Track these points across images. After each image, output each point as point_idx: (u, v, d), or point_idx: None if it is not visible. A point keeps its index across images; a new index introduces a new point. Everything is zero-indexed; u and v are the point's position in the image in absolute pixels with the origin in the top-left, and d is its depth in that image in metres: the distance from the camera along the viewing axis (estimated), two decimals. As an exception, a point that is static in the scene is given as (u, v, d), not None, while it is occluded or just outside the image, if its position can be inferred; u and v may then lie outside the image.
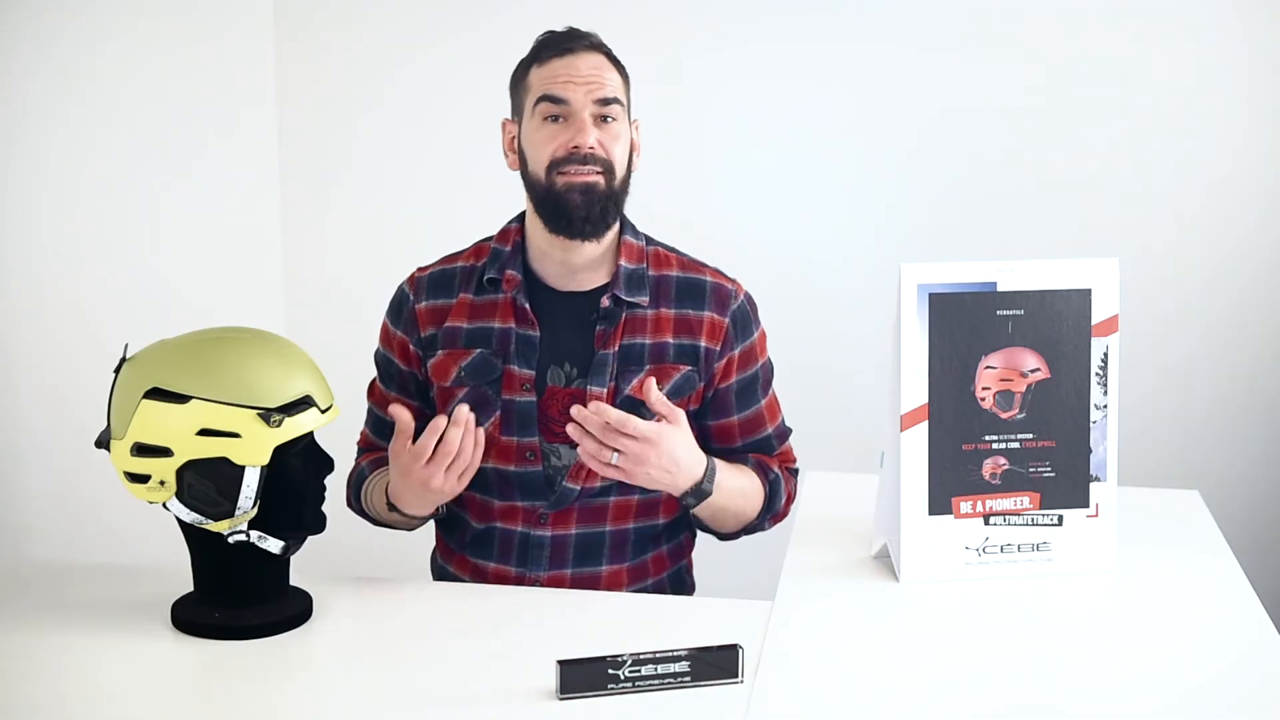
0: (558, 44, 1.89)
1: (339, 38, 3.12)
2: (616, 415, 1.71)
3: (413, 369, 1.97)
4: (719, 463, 1.88)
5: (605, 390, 1.89)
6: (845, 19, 2.92)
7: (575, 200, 1.85)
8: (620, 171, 1.88)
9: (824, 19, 2.92)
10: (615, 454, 1.73)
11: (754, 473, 1.96)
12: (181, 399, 1.63)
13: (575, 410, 1.73)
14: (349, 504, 2.03)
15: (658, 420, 1.76)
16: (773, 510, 1.98)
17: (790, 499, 2.02)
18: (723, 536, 2.01)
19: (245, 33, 3.06)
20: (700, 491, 1.84)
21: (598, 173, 1.85)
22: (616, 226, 1.94)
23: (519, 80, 1.92)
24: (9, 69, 2.47)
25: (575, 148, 1.84)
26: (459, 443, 1.74)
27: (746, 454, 1.99)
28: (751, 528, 1.99)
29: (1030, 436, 1.77)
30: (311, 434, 1.71)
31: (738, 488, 1.91)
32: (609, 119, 1.87)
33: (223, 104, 2.98)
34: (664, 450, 1.75)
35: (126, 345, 1.73)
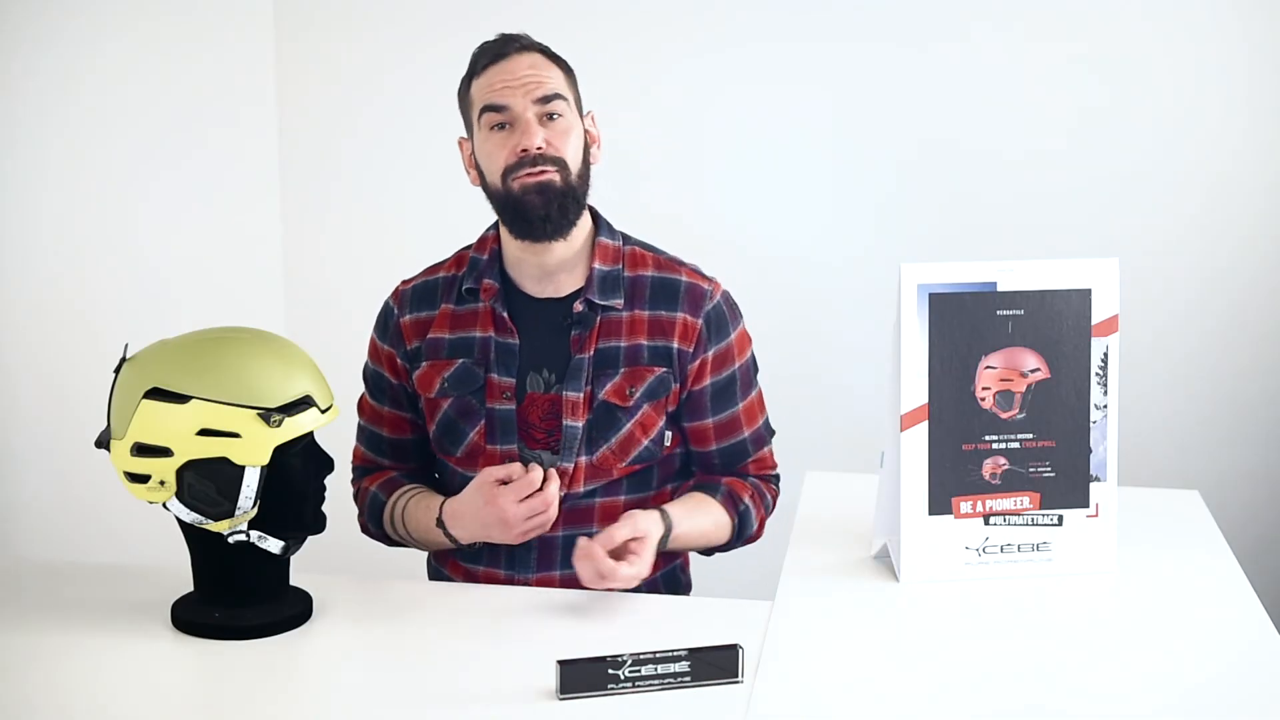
0: (491, 52, 1.89)
1: (339, 38, 3.12)
2: (606, 568, 1.72)
3: (402, 382, 1.97)
4: (675, 514, 1.87)
5: (581, 395, 1.88)
6: (845, 19, 2.92)
7: (533, 201, 1.84)
8: (576, 166, 1.87)
9: (823, 19, 2.92)
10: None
11: (721, 506, 1.94)
12: (181, 399, 1.63)
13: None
14: (364, 530, 2.04)
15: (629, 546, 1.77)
16: (743, 538, 1.98)
17: (765, 509, 2.00)
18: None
19: (245, 33, 3.06)
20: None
21: (552, 171, 1.84)
22: (590, 228, 1.93)
23: (464, 97, 1.92)
24: (9, 69, 2.47)
25: (523, 151, 1.83)
26: (542, 487, 1.81)
27: (719, 479, 1.97)
28: (722, 549, 2.00)
29: (1030, 436, 1.77)
30: (311, 434, 1.71)
31: (698, 532, 1.91)
32: (554, 116, 1.86)
33: (223, 104, 2.98)
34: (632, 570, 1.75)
35: (126, 345, 1.73)
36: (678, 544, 1.88)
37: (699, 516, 1.92)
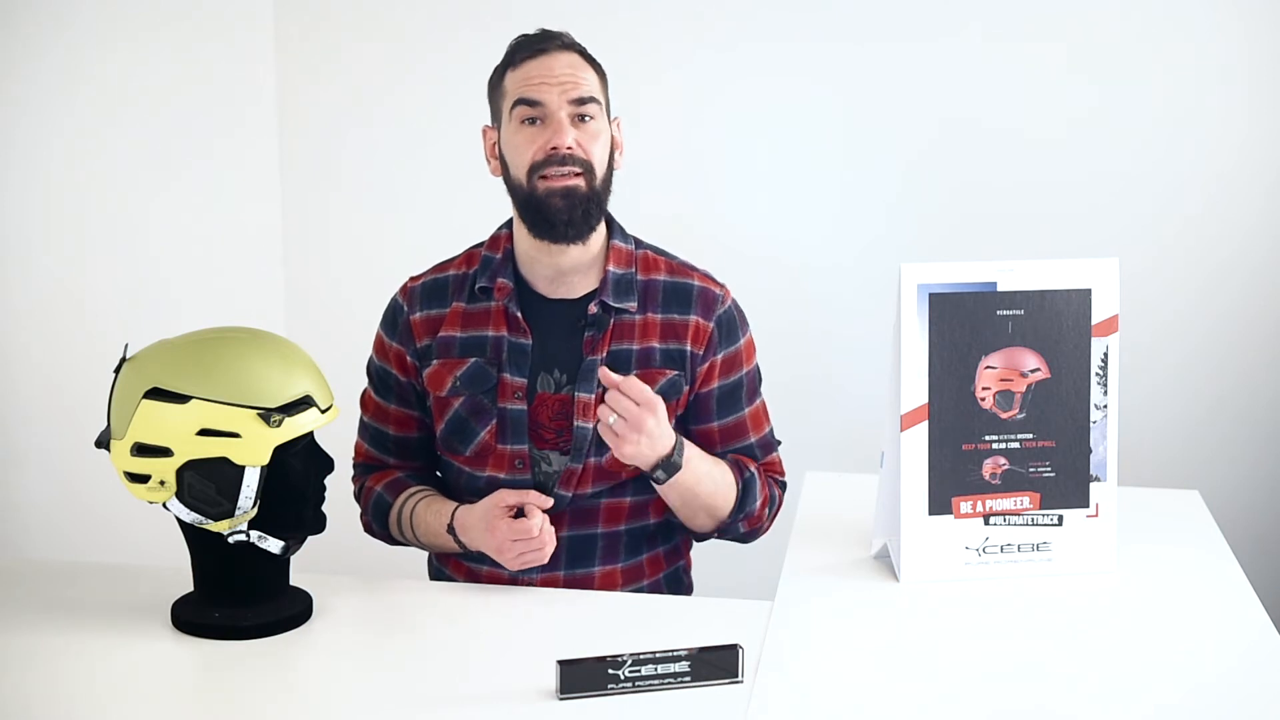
0: (531, 46, 1.88)
1: (339, 39, 3.12)
2: (618, 377, 1.77)
3: (411, 380, 1.97)
4: (688, 442, 1.88)
5: (594, 396, 1.88)
6: (846, 19, 2.92)
7: (557, 204, 1.84)
8: (600, 171, 1.87)
9: (825, 19, 2.92)
10: (614, 416, 1.76)
11: (728, 467, 1.94)
12: (181, 399, 1.63)
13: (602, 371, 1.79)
14: (367, 529, 2.03)
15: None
16: (745, 509, 1.94)
17: (768, 507, 1.98)
18: (698, 537, 2.01)
19: (245, 33, 3.06)
20: (670, 465, 1.82)
21: (577, 174, 1.84)
22: (604, 231, 1.93)
23: (495, 86, 1.91)
24: (10, 70, 2.47)
25: (553, 149, 1.83)
26: (536, 528, 1.80)
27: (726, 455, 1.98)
28: (725, 527, 1.96)
29: (1030, 436, 1.77)
30: (311, 434, 1.71)
31: (706, 471, 1.89)
32: (586, 118, 1.86)
33: (223, 105, 2.98)
34: (659, 418, 1.77)
35: (126, 345, 1.73)
36: (689, 475, 1.85)
37: (708, 460, 1.91)
